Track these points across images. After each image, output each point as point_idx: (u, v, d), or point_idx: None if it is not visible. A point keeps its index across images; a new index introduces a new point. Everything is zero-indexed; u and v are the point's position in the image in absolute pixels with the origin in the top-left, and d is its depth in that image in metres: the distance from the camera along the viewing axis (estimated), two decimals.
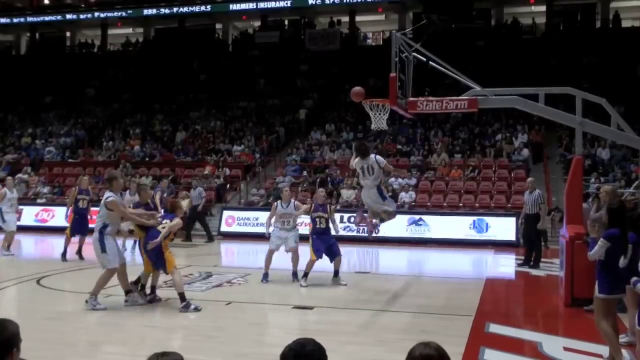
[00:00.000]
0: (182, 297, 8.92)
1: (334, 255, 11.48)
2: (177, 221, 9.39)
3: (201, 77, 35.02)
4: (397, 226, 18.52)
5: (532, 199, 13.97)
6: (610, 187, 10.46)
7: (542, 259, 14.23)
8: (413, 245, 18.58)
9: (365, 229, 12.19)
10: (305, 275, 11.36)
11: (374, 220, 10.13)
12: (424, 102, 10.19)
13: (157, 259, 9.14)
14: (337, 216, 19.38)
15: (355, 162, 10.05)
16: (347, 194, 21.74)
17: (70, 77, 36.33)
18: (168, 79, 34.42)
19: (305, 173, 24.65)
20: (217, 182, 24.48)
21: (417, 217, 19.56)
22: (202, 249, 16.91)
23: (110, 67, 37.54)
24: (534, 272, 13.41)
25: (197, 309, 8.81)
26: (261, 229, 19.14)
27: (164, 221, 9.32)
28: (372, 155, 10.08)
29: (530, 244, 14.18)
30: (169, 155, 27.78)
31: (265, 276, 11.51)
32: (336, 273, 11.54)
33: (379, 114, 10.49)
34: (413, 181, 22.57)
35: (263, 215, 20.00)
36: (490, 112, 26.09)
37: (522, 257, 14.48)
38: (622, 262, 6.27)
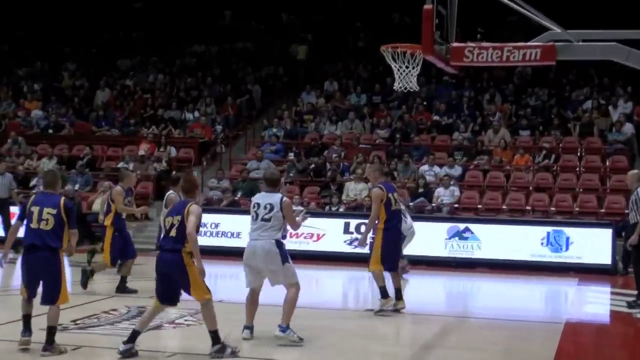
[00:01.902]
0: (216, 335, 8.97)
1: None
2: (196, 210, 8.95)
3: (136, 6, 34.97)
4: (432, 240, 18.46)
5: (631, 201, 13.91)
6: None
7: None
8: (455, 270, 18.55)
9: None
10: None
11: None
12: (475, 51, 10.12)
13: (179, 281, 8.89)
14: (340, 222, 19.48)
15: None
16: (354, 188, 21.67)
17: None
18: (85, 8, 34.29)
19: (291, 156, 24.44)
20: (157, 168, 24.33)
21: (461, 226, 19.50)
22: (133, 269, 16.73)
23: None
24: (638, 313, 13.38)
25: (234, 353, 8.98)
26: (229, 242, 19.25)
27: (174, 217, 8.88)
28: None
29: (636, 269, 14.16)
30: (84, 125, 27.78)
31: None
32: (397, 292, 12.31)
33: (406, 68, 10.41)
34: (457, 171, 22.50)
35: (226, 220, 19.98)
36: (576, 67, 26.09)
37: (627, 291, 14.41)
38: None
